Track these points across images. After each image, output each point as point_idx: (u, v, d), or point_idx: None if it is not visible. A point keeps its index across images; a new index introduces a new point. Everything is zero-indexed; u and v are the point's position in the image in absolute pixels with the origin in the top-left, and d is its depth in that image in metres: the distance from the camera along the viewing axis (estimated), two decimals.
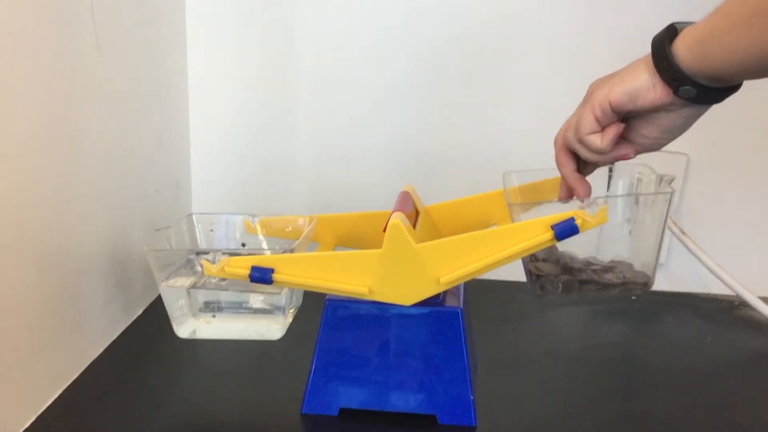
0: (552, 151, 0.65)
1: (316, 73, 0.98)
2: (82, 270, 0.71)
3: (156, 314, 0.86)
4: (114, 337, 0.79)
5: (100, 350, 0.76)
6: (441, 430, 0.63)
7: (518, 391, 0.71)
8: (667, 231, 0.74)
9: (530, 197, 0.71)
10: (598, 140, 0.59)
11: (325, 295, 0.65)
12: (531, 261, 0.67)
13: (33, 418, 0.63)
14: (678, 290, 0.98)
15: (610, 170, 0.71)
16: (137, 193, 0.84)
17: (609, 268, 0.68)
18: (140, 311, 0.86)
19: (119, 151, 0.79)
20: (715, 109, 0.57)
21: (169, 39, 0.93)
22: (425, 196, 0.75)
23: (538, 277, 0.67)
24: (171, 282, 0.64)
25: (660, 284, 0.67)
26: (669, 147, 0.62)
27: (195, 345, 0.80)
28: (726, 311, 0.93)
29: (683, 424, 0.66)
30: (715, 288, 0.96)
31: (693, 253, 0.87)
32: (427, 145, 0.98)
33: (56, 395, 0.67)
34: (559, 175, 0.66)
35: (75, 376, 0.70)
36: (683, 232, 0.88)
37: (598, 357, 0.80)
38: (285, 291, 0.63)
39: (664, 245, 0.92)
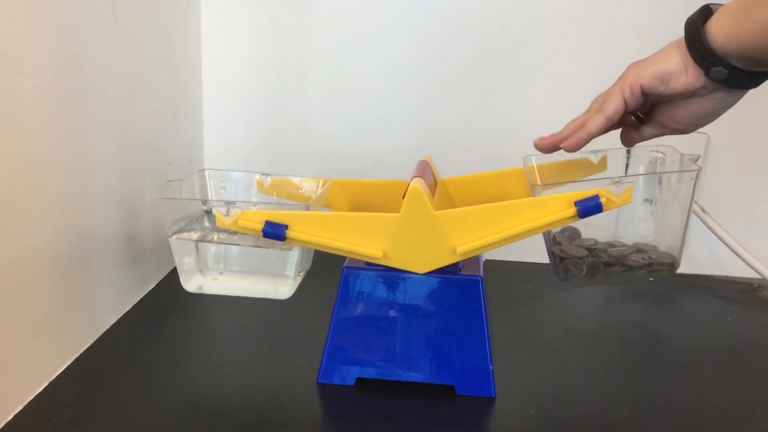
0: None
1: (332, 45, 0.97)
2: (95, 242, 0.71)
3: (169, 288, 0.85)
4: (127, 309, 0.78)
5: (113, 321, 0.75)
6: (459, 401, 0.62)
7: (535, 365, 0.70)
8: None
9: (551, 178, 0.70)
10: (595, 128, 0.60)
11: (341, 261, 0.64)
12: (554, 244, 0.66)
13: (45, 384, 0.62)
14: (695, 272, 0.97)
15: (628, 152, 0.70)
16: (150, 167, 0.83)
17: (634, 249, 0.66)
18: (153, 285, 0.85)
19: (134, 124, 0.78)
20: None
21: (182, 11, 0.92)
22: (439, 170, 0.74)
23: (562, 259, 0.65)
24: (180, 235, 0.63)
25: None
26: None
27: (209, 316, 0.79)
28: (745, 292, 0.92)
29: (701, 402, 0.65)
30: (734, 270, 0.95)
31: (714, 232, 0.86)
32: (442, 120, 0.97)
33: (68, 363, 0.66)
34: (579, 157, 0.67)
35: (87, 346, 0.70)
36: (704, 210, 0.86)
37: (615, 335, 0.79)
38: (296, 250, 0.62)
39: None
